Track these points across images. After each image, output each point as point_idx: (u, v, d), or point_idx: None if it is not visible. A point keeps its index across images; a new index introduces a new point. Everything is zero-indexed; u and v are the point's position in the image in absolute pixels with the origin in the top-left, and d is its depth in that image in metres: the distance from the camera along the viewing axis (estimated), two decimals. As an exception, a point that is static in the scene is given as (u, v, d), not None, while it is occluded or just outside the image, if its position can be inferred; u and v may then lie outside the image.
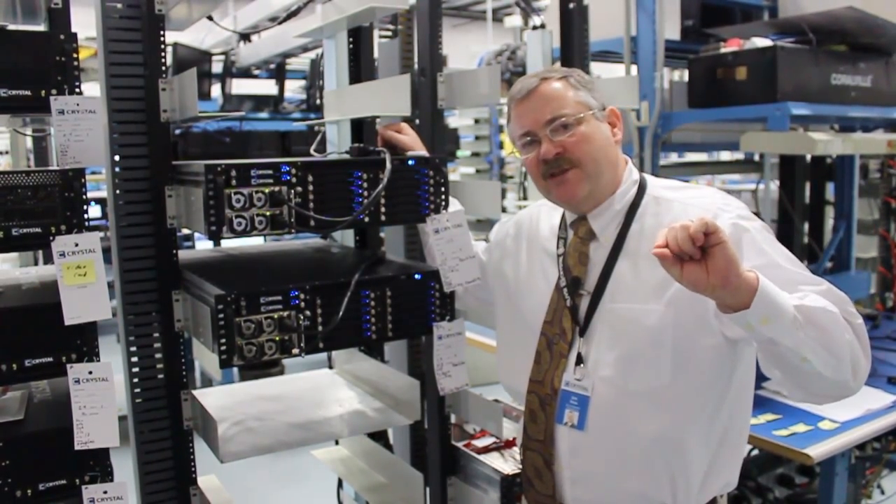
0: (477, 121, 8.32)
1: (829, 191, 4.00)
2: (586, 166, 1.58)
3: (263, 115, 6.21)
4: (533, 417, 1.66)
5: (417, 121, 2.06)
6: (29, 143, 4.02)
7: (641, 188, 1.65)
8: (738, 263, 1.26)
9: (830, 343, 1.35)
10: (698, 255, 1.26)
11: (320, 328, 1.60)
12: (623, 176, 1.66)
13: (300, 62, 6.41)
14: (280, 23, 2.33)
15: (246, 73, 6.26)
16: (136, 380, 1.71)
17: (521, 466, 1.76)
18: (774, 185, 3.87)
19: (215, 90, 5.99)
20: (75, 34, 1.44)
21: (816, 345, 1.34)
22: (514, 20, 8.49)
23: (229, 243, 3.04)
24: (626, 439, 1.55)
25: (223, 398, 2.09)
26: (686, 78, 3.01)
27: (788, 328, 1.31)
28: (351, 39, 2.23)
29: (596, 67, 3.68)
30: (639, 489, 1.56)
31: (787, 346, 1.32)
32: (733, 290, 1.27)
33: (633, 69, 2.98)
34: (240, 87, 6.23)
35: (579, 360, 1.59)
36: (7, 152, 4.63)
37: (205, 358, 2.22)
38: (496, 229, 1.97)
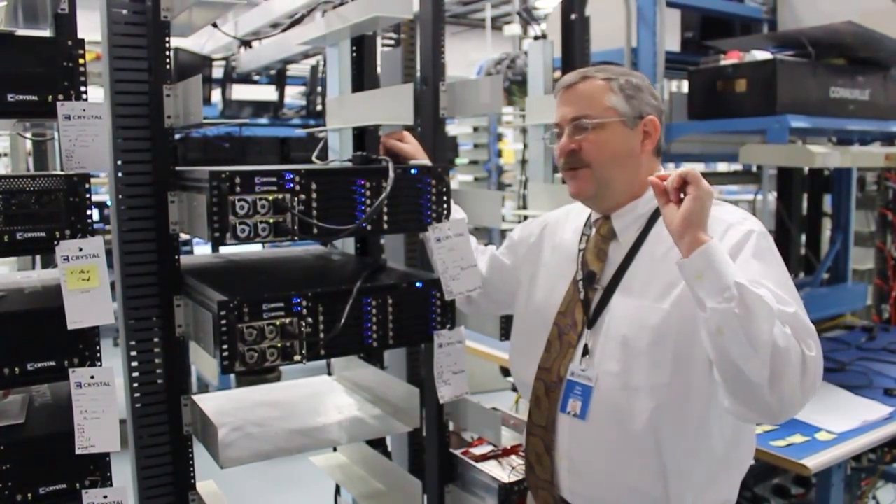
0: (476, 129, 8.33)
1: (827, 202, 4.01)
2: (596, 169, 1.64)
3: (263, 120, 6.22)
4: (537, 403, 1.69)
5: (419, 129, 2.07)
6: (28, 145, 4.02)
7: None
8: (698, 220, 1.40)
9: (751, 329, 1.33)
10: (676, 197, 1.43)
11: (322, 335, 1.61)
12: None
13: (300, 68, 6.42)
14: (283, 31, 2.35)
15: (246, 79, 6.27)
16: (136, 384, 1.72)
17: (524, 452, 1.79)
18: (772, 197, 3.88)
19: (215, 95, 5.99)
20: (82, 40, 1.45)
21: (736, 323, 1.33)
22: (514, 28, 8.49)
23: (228, 249, 3.04)
24: (624, 432, 1.57)
25: (222, 404, 2.09)
26: (686, 89, 3.02)
27: (716, 292, 1.35)
28: (354, 48, 2.24)
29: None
30: (633, 484, 1.59)
31: (710, 309, 1.35)
32: (688, 240, 1.39)
33: (634, 80, 2.99)
34: (240, 92, 6.24)
35: (586, 351, 1.63)
36: (6, 154, 4.62)
37: (202, 363, 2.22)
38: (520, 228, 1.99)
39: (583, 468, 1.63)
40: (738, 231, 1.54)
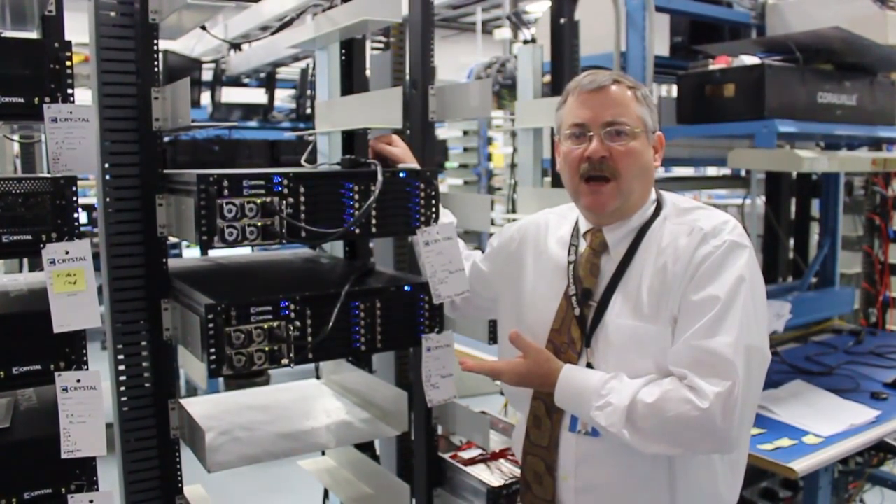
0: (465, 132, 8.36)
1: (815, 207, 4.03)
2: (623, 181, 1.59)
3: (252, 123, 6.21)
4: (537, 423, 1.67)
5: (408, 132, 2.07)
6: (16, 147, 4.00)
7: (658, 207, 1.66)
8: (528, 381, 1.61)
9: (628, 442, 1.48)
10: None
11: (310, 339, 1.61)
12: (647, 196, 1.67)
13: (290, 71, 6.42)
14: (273, 34, 2.34)
15: (236, 82, 6.26)
16: (122, 388, 1.71)
17: (519, 470, 1.77)
18: (760, 201, 3.89)
19: (205, 98, 5.98)
20: (69, 42, 1.44)
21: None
22: (504, 33, 8.54)
23: (217, 252, 3.03)
24: (634, 449, 1.53)
25: (210, 407, 2.09)
26: (675, 94, 3.03)
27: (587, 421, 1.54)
28: (343, 51, 2.24)
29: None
30: (644, 495, 1.58)
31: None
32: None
33: (623, 84, 3.00)
34: (229, 95, 6.23)
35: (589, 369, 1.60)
36: (-7, 157, 4.59)
37: (190, 366, 2.21)
38: (499, 234, 1.95)
39: (594, 485, 1.61)
40: (707, 247, 1.52)
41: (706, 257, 1.51)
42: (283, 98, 6.79)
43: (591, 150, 1.58)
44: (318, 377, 2.40)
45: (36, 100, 1.42)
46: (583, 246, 1.70)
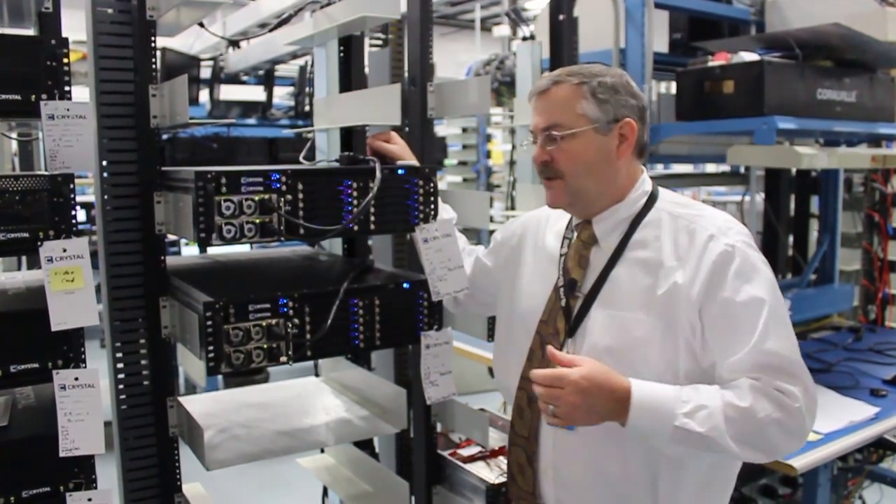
0: (465, 129, 8.34)
1: (814, 204, 4.03)
2: (569, 180, 1.60)
3: (251, 121, 6.20)
4: (520, 414, 1.68)
5: (407, 129, 2.06)
6: (14, 145, 4.00)
7: (652, 199, 1.64)
8: (586, 408, 1.42)
9: (712, 449, 1.43)
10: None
11: (308, 336, 1.60)
12: (634, 185, 1.64)
13: (288, 69, 6.40)
14: (270, 30, 2.34)
15: (234, 79, 6.24)
16: (121, 386, 1.71)
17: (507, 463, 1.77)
18: (760, 198, 3.89)
19: (203, 96, 5.97)
20: (66, 39, 1.44)
21: (700, 449, 1.44)
22: (503, 30, 8.54)
23: (216, 249, 3.03)
24: (613, 441, 1.53)
25: (208, 405, 2.08)
26: (674, 91, 3.03)
27: (665, 443, 1.44)
28: (341, 48, 2.23)
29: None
30: (623, 491, 1.57)
31: (672, 451, 1.47)
32: (604, 417, 1.45)
33: (622, 81, 2.99)
34: (228, 92, 6.22)
35: None
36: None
37: (189, 364, 2.21)
38: (502, 229, 1.96)
39: (571, 478, 1.61)
40: (719, 245, 1.51)
41: (726, 257, 1.49)
42: (282, 95, 6.78)
43: (535, 156, 1.64)
44: (317, 375, 2.40)
45: (33, 97, 1.41)
46: (574, 238, 1.70)
